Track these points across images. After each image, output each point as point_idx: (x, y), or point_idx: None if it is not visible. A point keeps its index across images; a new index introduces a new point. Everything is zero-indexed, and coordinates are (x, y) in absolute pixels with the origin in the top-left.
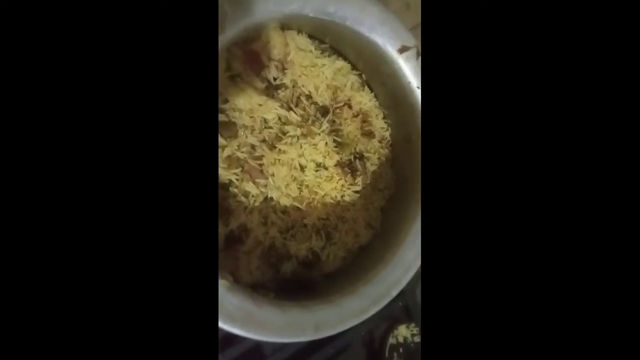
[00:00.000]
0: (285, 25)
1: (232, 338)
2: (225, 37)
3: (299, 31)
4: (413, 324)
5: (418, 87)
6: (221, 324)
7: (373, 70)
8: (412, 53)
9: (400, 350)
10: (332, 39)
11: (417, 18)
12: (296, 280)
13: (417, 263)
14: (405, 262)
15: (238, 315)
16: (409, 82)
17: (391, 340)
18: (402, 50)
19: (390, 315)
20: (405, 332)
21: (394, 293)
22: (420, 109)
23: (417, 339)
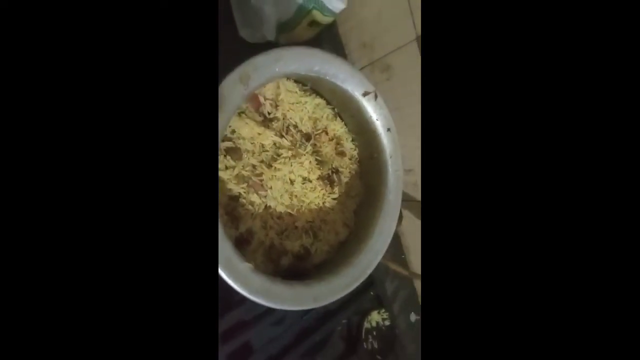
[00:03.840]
0: None
1: (227, 336)
2: (247, 89)
3: (288, 78)
4: (383, 310)
5: (377, 120)
6: (250, 296)
7: (343, 106)
8: (371, 96)
9: (374, 333)
10: (312, 84)
11: (372, 55)
12: (292, 271)
13: (383, 249)
14: (374, 250)
15: (261, 290)
16: (370, 116)
17: (366, 325)
18: (365, 94)
19: (365, 308)
20: (377, 317)
21: (368, 272)
22: (379, 135)
23: (387, 323)
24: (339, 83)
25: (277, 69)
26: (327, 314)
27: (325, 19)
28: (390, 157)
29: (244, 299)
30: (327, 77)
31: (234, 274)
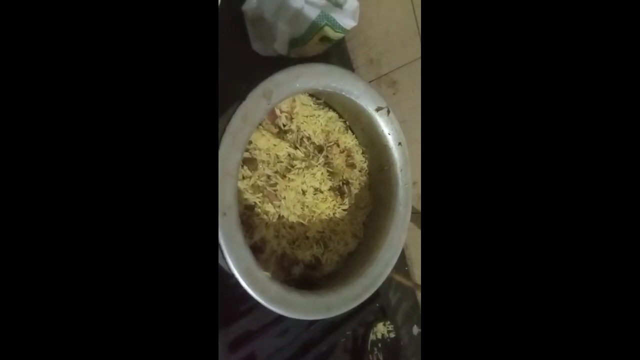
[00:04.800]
0: None
1: (233, 346)
2: (270, 103)
3: (303, 92)
4: (388, 322)
5: (389, 134)
6: (267, 305)
7: (355, 119)
8: (384, 111)
9: (380, 345)
10: (326, 98)
11: (379, 71)
12: (303, 280)
13: (393, 261)
14: (384, 260)
15: (277, 298)
16: (382, 130)
17: (372, 337)
18: (378, 109)
19: (369, 320)
20: (383, 329)
21: (379, 283)
22: (390, 149)
23: (393, 335)
24: (353, 98)
25: (297, 85)
26: (332, 325)
27: (336, 35)
28: (401, 170)
29: (250, 309)
30: (343, 93)
31: (253, 282)
